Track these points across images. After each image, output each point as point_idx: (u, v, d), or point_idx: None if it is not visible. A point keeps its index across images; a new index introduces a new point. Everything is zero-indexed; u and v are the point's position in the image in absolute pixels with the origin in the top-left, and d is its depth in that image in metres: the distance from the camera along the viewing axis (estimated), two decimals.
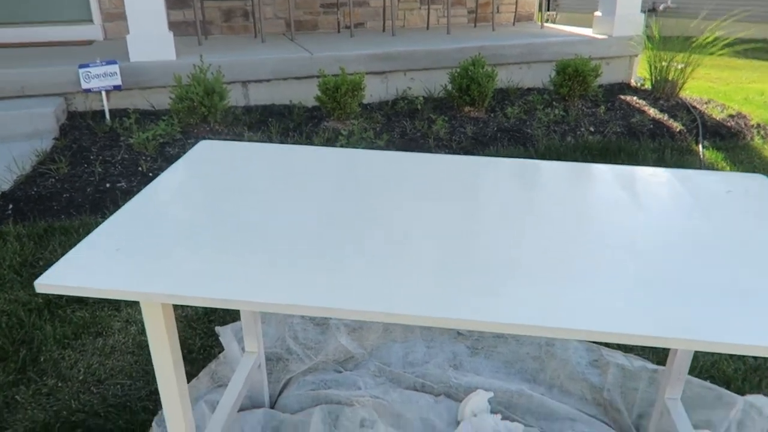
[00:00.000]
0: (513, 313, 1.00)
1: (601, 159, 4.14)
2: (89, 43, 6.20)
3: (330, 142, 4.25)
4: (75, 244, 2.83)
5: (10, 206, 3.17)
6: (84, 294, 1.07)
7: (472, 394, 1.84)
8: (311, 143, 4.21)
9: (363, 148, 4.14)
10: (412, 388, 1.92)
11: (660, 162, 4.12)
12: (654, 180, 1.59)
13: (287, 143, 4.21)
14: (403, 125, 4.67)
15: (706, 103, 5.61)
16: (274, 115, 4.82)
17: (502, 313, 1.00)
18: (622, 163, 4.10)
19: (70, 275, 1.10)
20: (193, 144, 4.11)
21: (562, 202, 1.44)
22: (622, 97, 5.55)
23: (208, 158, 1.68)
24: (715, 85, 6.71)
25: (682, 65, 5.39)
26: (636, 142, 4.50)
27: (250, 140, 4.19)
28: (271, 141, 4.24)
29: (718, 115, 5.23)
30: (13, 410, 1.96)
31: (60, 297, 2.48)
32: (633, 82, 6.14)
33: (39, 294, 2.50)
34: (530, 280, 1.10)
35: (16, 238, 2.87)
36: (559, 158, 4.11)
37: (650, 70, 5.61)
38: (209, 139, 4.22)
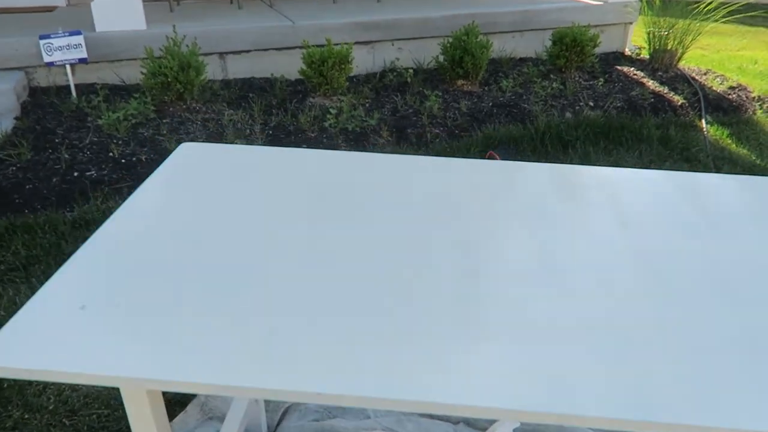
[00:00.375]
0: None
1: (605, 138, 3.93)
2: (51, 9, 5.73)
3: (318, 121, 3.97)
4: (40, 245, 2.55)
5: None
6: (41, 378, 0.83)
7: (496, 424, 1.65)
8: (297, 123, 3.92)
9: (354, 127, 3.87)
10: (428, 416, 1.72)
11: (665, 140, 3.93)
12: (658, 187, 1.38)
13: (271, 123, 3.92)
14: (394, 101, 4.39)
15: (704, 74, 5.41)
16: (254, 90, 4.50)
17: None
18: (627, 141, 3.91)
19: (17, 351, 0.85)
20: (169, 125, 3.80)
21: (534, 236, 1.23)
22: (619, 68, 5.32)
23: (189, 168, 1.43)
24: (708, 53, 6.51)
25: (681, 34, 5.16)
26: (638, 118, 4.29)
27: (230, 119, 3.88)
28: (253, 120, 3.94)
29: (718, 87, 5.04)
30: None
31: None
32: (628, 51, 5.90)
33: None
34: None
35: None
36: (559, 137, 3.90)
37: (648, 40, 5.37)
38: (186, 118, 3.90)
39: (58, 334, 0.88)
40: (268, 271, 1.04)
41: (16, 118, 3.98)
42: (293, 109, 4.12)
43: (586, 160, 3.65)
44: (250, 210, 1.26)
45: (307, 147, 3.68)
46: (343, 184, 1.37)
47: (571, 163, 3.63)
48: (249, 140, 3.65)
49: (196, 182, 1.36)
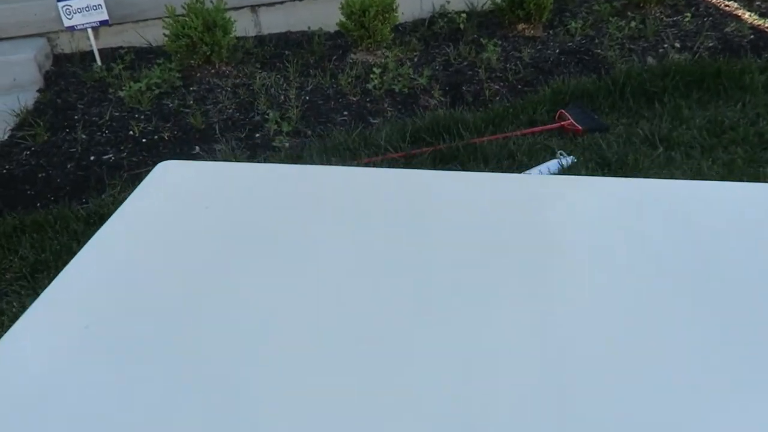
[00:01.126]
0: None
1: (697, 87, 3.31)
2: None
3: (361, 81, 3.50)
4: (49, 247, 2.26)
5: None
6: None
7: None
8: (337, 85, 3.48)
9: (401, 88, 3.40)
10: None
11: None
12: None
13: (308, 86, 3.49)
14: (446, 53, 3.86)
15: None
16: (290, 46, 4.05)
17: None
18: (725, 90, 3.28)
19: None
20: (196, 94, 3.42)
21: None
22: None
23: (168, 194, 1.04)
24: None
25: None
26: (736, 61, 3.61)
27: (263, 84, 3.47)
28: (288, 82, 3.52)
29: None
30: None
31: None
32: None
33: None
34: None
35: None
36: (642, 89, 3.31)
37: None
38: (214, 84, 3.51)
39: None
40: (258, 332, 0.65)
41: (39, 91, 3.70)
42: (332, 68, 3.66)
43: (677, 117, 3.07)
44: (240, 244, 0.88)
45: (348, 114, 3.25)
46: (348, 209, 0.96)
47: (660, 120, 3.06)
48: (283, 109, 3.24)
49: (176, 211, 0.98)
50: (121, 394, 0.66)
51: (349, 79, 3.49)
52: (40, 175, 2.72)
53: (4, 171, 2.73)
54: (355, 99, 3.36)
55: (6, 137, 3.05)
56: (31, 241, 2.32)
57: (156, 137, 3.00)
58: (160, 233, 0.94)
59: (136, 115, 3.19)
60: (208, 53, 3.53)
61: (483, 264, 0.84)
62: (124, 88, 3.36)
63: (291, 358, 0.71)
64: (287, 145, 2.96)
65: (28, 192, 2.62)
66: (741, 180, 2.57)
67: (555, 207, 0.96)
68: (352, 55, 3.82)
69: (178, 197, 1.02)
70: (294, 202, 1.00)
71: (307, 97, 3.38)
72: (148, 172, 2.81)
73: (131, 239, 0.94)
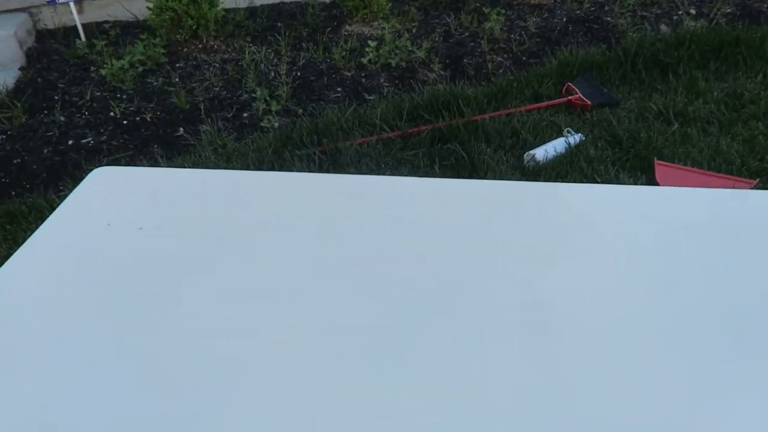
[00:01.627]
0: None
1: (715, 57, 3.09)
2: None
3: (355, 55, 3.31)
4: (22, 238, 2.12)
5: None
6: None
7: None
8: (331, 59, 3.28)
9: (398, 62, 3.20)
10: None
11: None
12: None
13: (299, 61, 3.30)
14: (446, 23, 3.64)
15: None
16: (283, 18, 3.85)
17: None
18: (745, 60, 3.06)
19: None
20: (182, 71, 3.24)
21: None
22: None
23: (103, 202, 0.89)
24: None
25: None
26: (757, 28, 3.38)
27: (252, 59, 3.28)
28: (279, 57, 3.32)
29: None
30: None
31: None
32: None
33: None
34: None
35: None
36: (656, 60, 3.10)
37: None
38: (201, 60, 3.33)
39: None
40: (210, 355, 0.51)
41: (21, 69, 3.53)
42: (326, 41, 3.46)
43: (693, 90, 2.87)
44: (183, 260, 0.73)
45: (342, 91, 3.06)
46: (305, 223, 0.81)
47: (674, 93, 2.86)
48: (273, 86, 3.05)
49: (112, 222, 0.83)
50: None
51: (343, 53, 3.29)
52: (15, 161, 2.57)
53: None
54: (349, 74, 3.17)
55: None
56: (3, 234, 2.18)
57: (138, 119, 2.83)
58: (87, 250, 0.79)
59: (118, 95, 3.02)
60: (194, 27, 3.34)
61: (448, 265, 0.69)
62: (106, 65, 3.19)
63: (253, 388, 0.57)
64: (276, 125, 2.79)
65: (2, 180, 2.48)
66: (762, 158, 2.39)
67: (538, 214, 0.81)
68: (348, 27, 3.62)
69: (111, 209, 0.87)
70: (236, 210, 0.85)
71: (299, 73, 3.19)
72: (130, 157, 2.66)
73: (58, 253, 0.79)
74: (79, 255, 0.79)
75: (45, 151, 2.62)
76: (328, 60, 3.29)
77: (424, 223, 0.81)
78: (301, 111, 2.88)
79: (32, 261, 0.79)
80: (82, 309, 0.70)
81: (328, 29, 3.63)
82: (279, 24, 3.77)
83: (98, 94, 3.05)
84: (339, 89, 3.06)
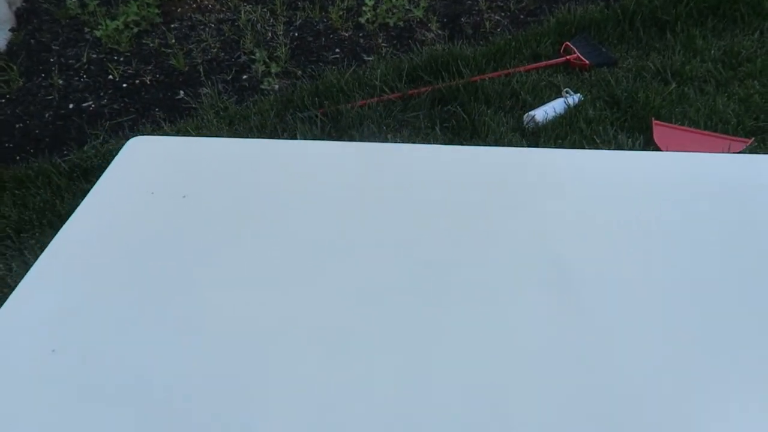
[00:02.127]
0: None
1: (713, 14, 3.09)
2: None
3: (353, 15, 3.28)
4: (32, 205, 2.16)
5: None
6: None
7: None
8: (328, 19, 3.25)
9: (396, 22, 3.18)
10: None
11: None
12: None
13: (296, 21, 3.26)
14: None
15: None
16: None
17: None
18: (743, 16, 3.07)
19: None
20: (177, 32, 3.20)
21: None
22: None
23: (142, 173, 0.92)
24: None
25: None
26: None
27: (247, 17, 3.25)
28: (275, 17, 3.29)
29: None
30: None
31: None
32: None
33: None
34: None
35: None
36: (654, 18, 3.10)
37: None
38: (197, 21, 3.29)
39: None
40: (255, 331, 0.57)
41: (12, 30, 3.47)
42: (322, 0, 3.42)
43: (690, 48, 2.88)
44: (222, 231, 0.78)
45: (341, 52, 3.05)
46: (346, 191, 0.85)
47: (672, 52, 2.88)
48: (271, 47, 3.04)
49: (154, 193, 0.87)
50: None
51: (340, 12, 3.26)
52: (17, 126, 2.56)
53: None
54: (347, 35, 3.15)
55: None
56: (13, 199, 2.20)
57: (137, 81, 2.82)
58: (134, 218, 0.84)
59: (115, 57, 2.99)
60: None
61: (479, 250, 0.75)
62: (100, 26, 3.14)
63: (294, 354, 0.63)
64: (276, 87, 2.79)
65: (6, 144, 2.48)
66: (758, 117, 2.43)
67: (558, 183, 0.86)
68: None
69: (153, 179, 0.91)
70: (275, 180, 0.89)
71: (296, 34, 3.17)
72: (132, 121, 2.67)
73: (107, 222, 0.84)
74: (128, 223, 0.83)
75: (46, 115, 2.61)
76: (325, 20, 3.26)
77: (442, 189, 0.85)
78: (300, 73, 2.88)
79: (83, 231, 0.83)
80: (138, 275, 0.75)
81: None
82: None
83: (94, 56, 3.02)
84: (337, 50, 3.05)
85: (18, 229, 2.12)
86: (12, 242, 2.07)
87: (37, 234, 2.09)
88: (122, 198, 0.88)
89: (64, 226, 0.83)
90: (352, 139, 2.38)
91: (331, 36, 3.15)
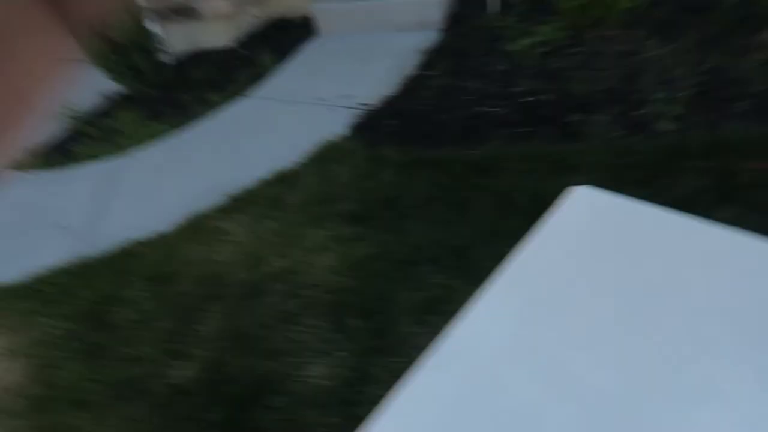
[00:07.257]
0: None
1: None
2: None
3: (766, 67, 3.07)
4: (444, 183, 2.64)
5: (394, 121, 3.15)
6: None
7: None
8: (737, 69, 3.11)
9: None
10: None
11: None
12: None
13: (705, 64, 3.18)
14: None
15: None
16: (688, 13, 3.71)
17: None
18: None
19: None
20: (579, 57, 3.43)
21: None
22: None
23: (589, 228, 1.09)
24: None
25: None
26: None
27: (647, 52, 3.30)
28: (680, 57, 3.27)
29: None
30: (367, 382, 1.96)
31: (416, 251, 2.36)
32: None
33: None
34: None
35: (391, 165, 2.84)
36: None
37: None
38: (597, 50, 3.47)
39: None
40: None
41: (440, 32, 4.10)
42: (739, 48, 3.25)
43: None
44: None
45: (749, 106, 2.90)
46: None
47: None
48: (671, 88, 3.05)
49: (590, 251, 1.04)
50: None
51: (754, 64, 3.08)
52: (433, 117, 3.13)
53: (410, 107, 3.22)
54: (762, 88, 2.97)
55: (412, 75, 3.55)
56: (425, 174, 2.74)
57: (535, 98, 3.15)
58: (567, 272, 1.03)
59: (521, 72, 3.37)
60: (599, 14, 3.48)
61: None
62: (515, 41, 3.56)
63: None
64: (672, 128, 2.81)
65: (424, 131, 3.06)
66: None
67: None
68: (765, 34, 3.33)
69: (590, 235, 1.08)
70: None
71: (702, 79, 3.11)
72: (528, 133, 3.00)
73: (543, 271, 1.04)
74: (559, 276, 1.02)
75: (458, 113, 3.13)
76: (736, 69, 3.11)
77: None
78: (698, 120, 2.85)
79: (527, 266, 1.07)
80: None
81: (744, 30, 3.39)
82: (682, 18, 3.65)
83: (502, 67, 3.45)
84: (746, 102, 2.91)
85: (428, 200, 2.63)
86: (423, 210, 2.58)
87: (443, 211, 2.56)
88: (559, 245, 1.07)
89: (512, 259, 1.05)
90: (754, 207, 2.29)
91: (738, 86, 3.01)
